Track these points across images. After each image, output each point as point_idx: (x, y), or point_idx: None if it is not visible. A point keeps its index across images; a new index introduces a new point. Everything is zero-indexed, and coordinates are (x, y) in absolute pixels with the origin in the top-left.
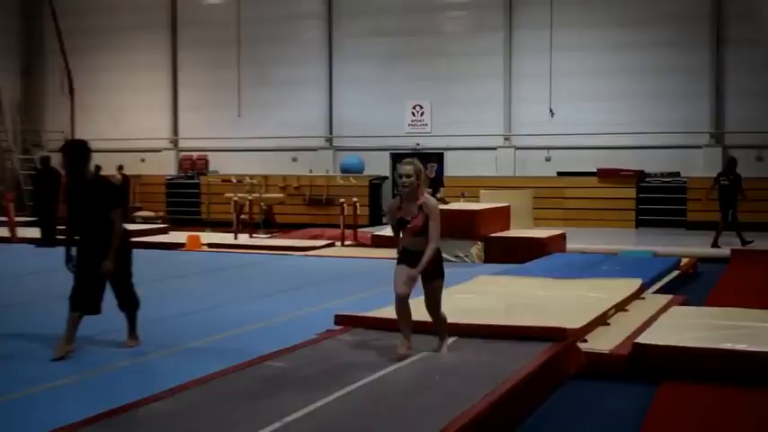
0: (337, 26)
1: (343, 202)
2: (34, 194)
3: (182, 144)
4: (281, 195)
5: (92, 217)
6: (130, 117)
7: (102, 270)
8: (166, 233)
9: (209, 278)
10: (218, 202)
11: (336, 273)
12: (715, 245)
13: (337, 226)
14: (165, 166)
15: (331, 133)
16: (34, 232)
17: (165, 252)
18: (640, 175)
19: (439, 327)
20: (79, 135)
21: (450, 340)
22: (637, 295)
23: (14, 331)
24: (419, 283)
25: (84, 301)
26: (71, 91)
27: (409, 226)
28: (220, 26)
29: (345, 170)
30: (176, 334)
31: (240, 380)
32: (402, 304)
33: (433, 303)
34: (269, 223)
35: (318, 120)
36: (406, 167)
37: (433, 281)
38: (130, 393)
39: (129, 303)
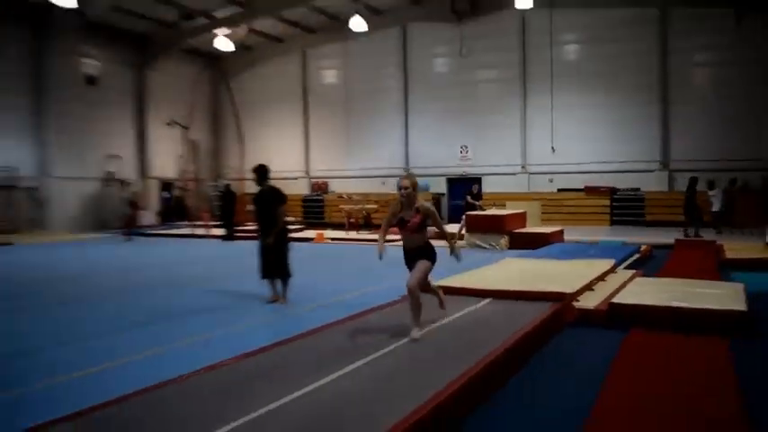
0: (411, 93)
1: None
2: (220, 208)
3: (312, 173)
4: (375, 206)
5: (268, 212)
6: (278, 155)
7: (264, 242)
8: (302, 231)
9: (330, 260)
10: (335, 210)
11: None
12: (696, 235)
13: None
14: (301, 188)
15: (407, 164)
16: (220, 232)
17: (302, 244)
18: (613, 190)
19: (413, 308)
20: (246, 169)
21: (485, 301)
22: (611, 270)
23: (224, 291)
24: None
25: (264, 270)
26: (241, 140)
27: (409, 224)
28: (334, 93)
29: (425, 190)
30: (311, 296)
31: (349, 327)
32: (414, 297)
33: (414, 279)
34: (368, 224)
35: (399, 155)
36: (405, 181)
37: (421, 259)
38: (288, 332)
39: (284, 274)
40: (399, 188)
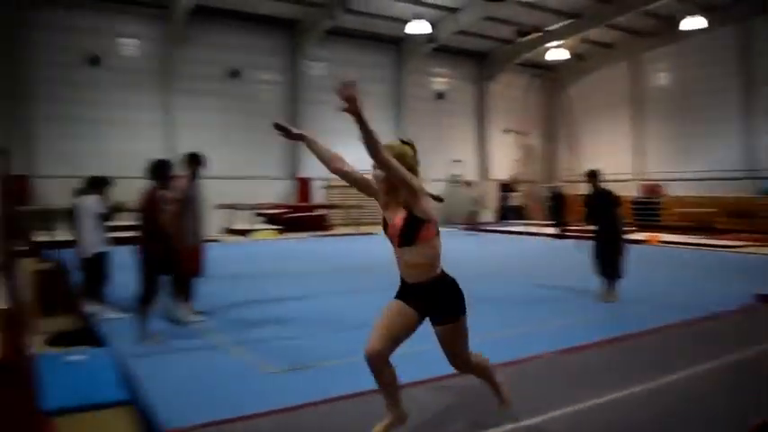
0: (754, 90)
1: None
2: (551, 208)
3: (642, 176)
4: (715, 209)
5: (602, 214)
6: (607, 158)
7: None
8: (634, 233)
9: (662, 263)
10: (669, 213)
11: (750, 264)
12: None
13: (754, 232)
14: (631, 191)
15: (750, 166)
16: (551, 231)
17: (635, 246)
18: None
19: (483, 377)
20: (578, 172)
21: None
22: None
23: (555, 285)
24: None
25: (598, 268)
26: (573, 144)
27: (389, 228)
28: (665, 95)
29: (766, 192)
30: (643, 297)
31: (684, 333)
32: (374, 365)
33: (452, 357)
34: (709, 229)
35: (740, 156)
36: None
37: (441, 324)
38: (616, 329)
39: (614, 274)
40: (372, 168)
